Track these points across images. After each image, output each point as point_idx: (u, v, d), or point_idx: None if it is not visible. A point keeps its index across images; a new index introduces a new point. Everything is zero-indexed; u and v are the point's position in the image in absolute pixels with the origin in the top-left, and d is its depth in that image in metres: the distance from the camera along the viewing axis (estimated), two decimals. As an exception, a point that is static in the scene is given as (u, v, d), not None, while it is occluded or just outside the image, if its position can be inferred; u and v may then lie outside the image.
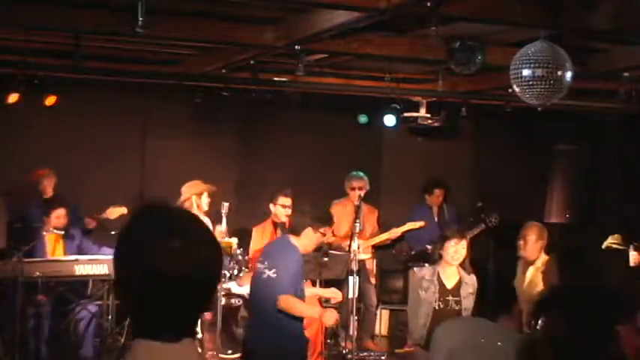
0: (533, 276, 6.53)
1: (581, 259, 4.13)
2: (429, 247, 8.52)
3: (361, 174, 8.62)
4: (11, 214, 7.74)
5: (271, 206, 7.70)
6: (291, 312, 5.38)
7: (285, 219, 7.59)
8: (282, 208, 7.59)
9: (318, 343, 7.54)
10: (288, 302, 5.36)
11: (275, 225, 7.70)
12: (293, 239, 5.57)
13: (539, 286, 6.37)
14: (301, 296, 5.59)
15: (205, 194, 7.62)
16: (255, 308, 5.69)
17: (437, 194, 9.48)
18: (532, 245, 6.63)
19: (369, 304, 8.77)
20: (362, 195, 8.22)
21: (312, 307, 6.15)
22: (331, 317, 5.64)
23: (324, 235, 5.66)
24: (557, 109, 7.54)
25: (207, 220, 7.61)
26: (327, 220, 5.79)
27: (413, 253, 9.03)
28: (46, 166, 8.21)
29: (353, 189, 8.46)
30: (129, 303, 1.73)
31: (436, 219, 9.37)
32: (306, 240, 5.56)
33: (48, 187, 8.13)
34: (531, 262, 6.63)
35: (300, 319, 5.57)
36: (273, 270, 5.34)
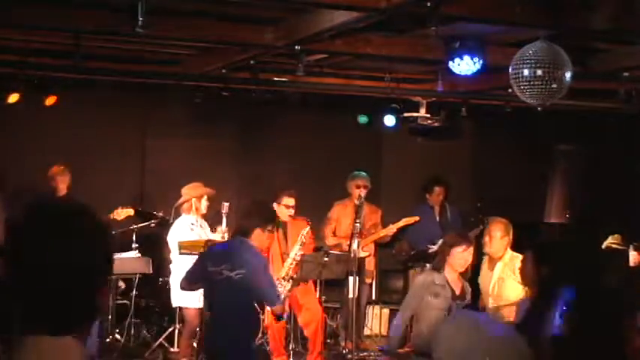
0: (501, 272, 6.41)
1: (559, 256, 4.10)
2: (431, 246, 8.52)
3: (364, 173, 8.62)
4: (10, 211, 7.73)
5: (275, 205, 7.71)
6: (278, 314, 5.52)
7: (287, 219, 7.60)
8: (285, 209, 7.61)
9: (317, 343, 7.54)
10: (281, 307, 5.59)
11: (277, 224, 7.71)
12: (249, 240, 5.46)
13: (509, 282, 6.30)
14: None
15: (205, 197, 7.63)
16: (221, 310, 5.47)
17: (437, 192, 9.40)
18: (498, 242, 6.47)
19: (361, 303, 8.76)
20: (363, 194, 8.22)
21: None
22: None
23: (271, 232, 5.67)
24: (557, 109, 7.55)
25: (204, 224, 7.63)
26: (273, 219, 5.79)
27: (413, 252, 9.02)
28: (48, 166, 8.21)
29: (358, 187, 8.43)
30: (11, 297, 1.75)
31: (438, 219, 9.29)
32: (257, 242, 5.48)
33: (61, 185, 8.13)
34: (498, 259, 6.49)
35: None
36: (239, 271, 5.26)
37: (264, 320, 7.83)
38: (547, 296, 3.95)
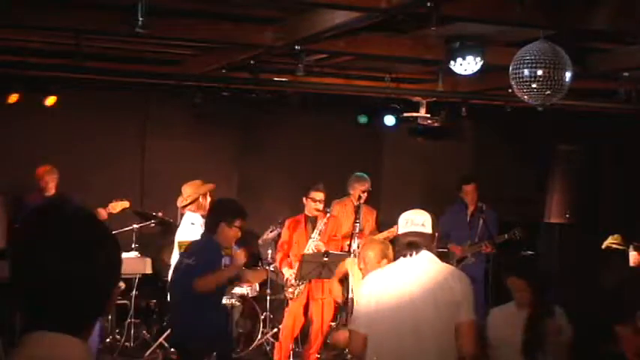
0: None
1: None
2: (443, 249, 8.49)
3: (366, 176, 8.61)
4: (11, 213, 7.74)
5: (304, 199, 7.75)
6: (209, 287, 5.43)
7: (315, 213, 7.63)
8: (312, 202, 7.64)
9: (319, 335, 7.52)
10: (202, 281, 5.38)
11: (306, 219, 7.74)
12: (214, 236, 5.62)
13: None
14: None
15: (207, 194, 7.65)
16: (177, 298, 5.80)
17: (466, 191, 8.86)
18: (374, 266, 5.20)
19: None
20: (365, 196, 8.25)
21: (223, 270, 5.83)
22: (255, 276, 5.74)
23: (238, 228, 5.65)
24: (557, 109, 7.55)
25: (198, 223, 7.63)
26: (239, 214, 5.70)
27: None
28: (47, 165, 8.21)
29: (363, 191, 8.40)
30: (19, 297, 1.76)
31: (468, 219, 8.80)
32: (223, 237, 5.60)
33: (50, 184, 8.12)
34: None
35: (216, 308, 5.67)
36: (192, 259, 5.50)
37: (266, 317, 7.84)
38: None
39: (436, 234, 4.35)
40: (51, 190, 8.14)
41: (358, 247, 6.82)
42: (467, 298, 4.10)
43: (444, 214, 8.87)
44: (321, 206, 7.68)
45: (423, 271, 4.17)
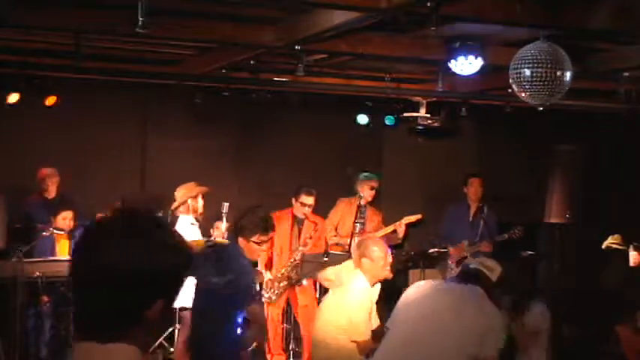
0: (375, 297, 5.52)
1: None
2: (443, 249, 8.53)
3: (374, 175, 8.60)
4: (12, 213, 7.73)
5: (293, 200, 7.74)
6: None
7: (302, 216, 7.61)
8: (301, 206, 7.62)
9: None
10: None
11: (294, 219, 7.73)
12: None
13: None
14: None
15: (200, 196, 7.65)
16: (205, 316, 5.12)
17: (472, 184, 9.01)
18: (379, 262, 5.39)
19: None
20: (373, 194, 8.29)
21: None
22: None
23: (258, 244, 5.01)
24: (557, 109, 7.54)
25: (196, 225, 7.63)
26: (259, 229, 5.04)
27: (412, 253, 9.00)
28: (48, 166, 8.22)
29: (372, 188, 8.41)
30: (73, 302, 1.77)
31: (470, 219, 8.93)
32: (245, 250, 5.03)
33: (52, 187, 8.15)
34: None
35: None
36: (221, 278, 4.94)
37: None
38: None
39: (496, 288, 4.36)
40: (52, 192, 8.14)
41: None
42: (493, 333, 4.05)
43: (447, 214, 8.99)
44: (309, 211, 7.65)
45: (456, 296, 4.22)
